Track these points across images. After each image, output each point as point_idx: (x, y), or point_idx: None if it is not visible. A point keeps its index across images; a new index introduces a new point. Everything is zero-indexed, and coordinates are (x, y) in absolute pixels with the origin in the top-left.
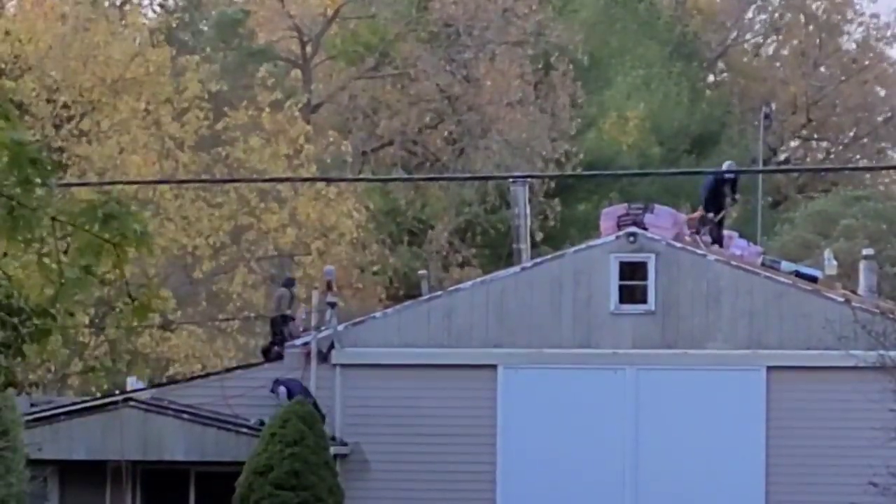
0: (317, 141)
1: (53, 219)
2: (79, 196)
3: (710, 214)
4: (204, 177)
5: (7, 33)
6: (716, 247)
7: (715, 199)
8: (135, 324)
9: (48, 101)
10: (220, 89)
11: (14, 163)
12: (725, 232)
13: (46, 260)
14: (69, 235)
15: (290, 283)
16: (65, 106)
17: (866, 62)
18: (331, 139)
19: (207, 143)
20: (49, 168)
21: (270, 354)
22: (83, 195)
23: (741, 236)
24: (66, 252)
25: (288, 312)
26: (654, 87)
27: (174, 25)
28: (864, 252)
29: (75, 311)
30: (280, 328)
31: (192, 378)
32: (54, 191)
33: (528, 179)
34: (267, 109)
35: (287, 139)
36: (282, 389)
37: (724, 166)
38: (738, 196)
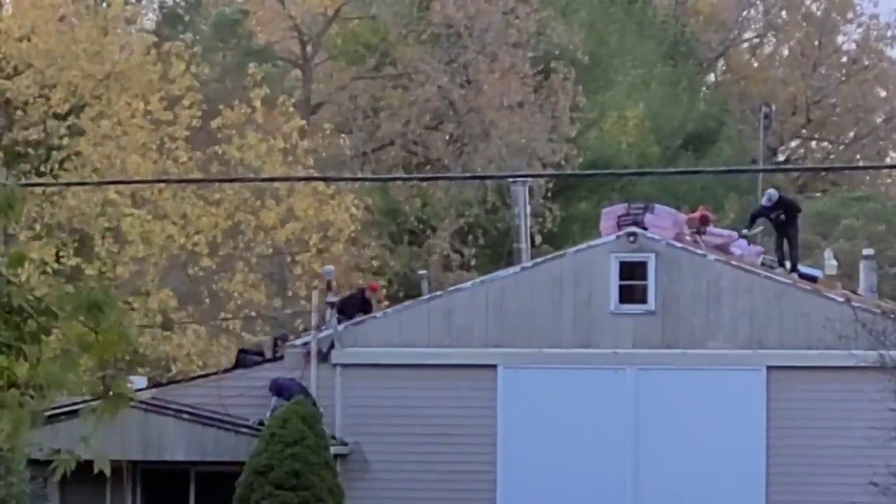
0: (315, 139)
1: (45, 308)
2: (78, 195)
3: (744, 230)
4: (201, 175)
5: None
6: (780, 270)
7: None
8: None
9: (45, 98)
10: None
11: None
12: (725, 231)
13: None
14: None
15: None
16: (59, 104)
17: (866, 62)
18: (328, 132)
19: (203, 141)
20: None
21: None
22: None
23: (741, 236)
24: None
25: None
26: (653, 87)
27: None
28: (865, 252)
29: None
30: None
31: (193, 378)
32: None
33: (528, 180)
34: (257, 105)
35: (282, 135)
36: (273, 401)
37: (765, 198)
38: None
